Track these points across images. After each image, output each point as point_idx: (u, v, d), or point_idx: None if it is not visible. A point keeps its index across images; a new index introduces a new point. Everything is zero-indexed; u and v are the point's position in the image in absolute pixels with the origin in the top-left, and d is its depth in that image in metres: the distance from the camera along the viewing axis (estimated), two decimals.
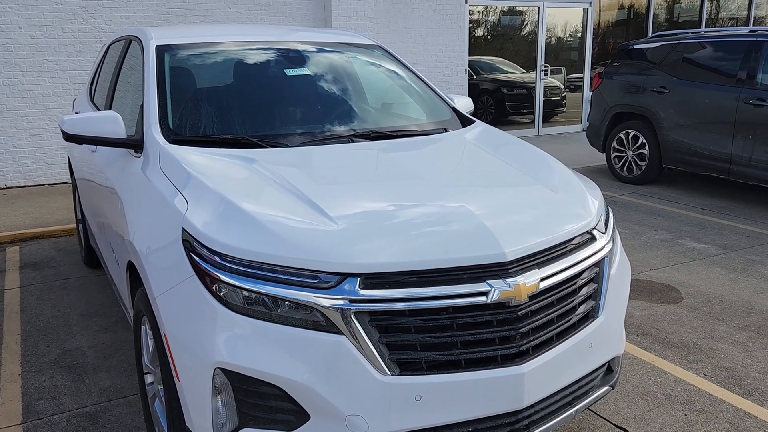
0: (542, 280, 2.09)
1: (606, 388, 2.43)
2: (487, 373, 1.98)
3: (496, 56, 11.44)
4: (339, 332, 1.90)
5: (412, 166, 2.57)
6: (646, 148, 7.46)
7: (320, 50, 3.54)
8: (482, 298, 1.98)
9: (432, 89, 3.62)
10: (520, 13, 11.31)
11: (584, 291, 2.29)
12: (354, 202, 2.21)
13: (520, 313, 2.04)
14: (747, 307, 4.04)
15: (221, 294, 1.97)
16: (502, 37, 11.42)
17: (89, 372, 3.34)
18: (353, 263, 1.93)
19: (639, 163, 7.62)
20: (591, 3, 11.71)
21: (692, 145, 6.92)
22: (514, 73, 11.63)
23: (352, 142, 2.86)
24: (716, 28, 7.26)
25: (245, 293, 1.95)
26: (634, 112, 7.57)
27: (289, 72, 3.27)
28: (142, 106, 2.96)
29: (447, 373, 1.95)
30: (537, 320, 2.09)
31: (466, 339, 1.98)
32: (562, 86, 12.17)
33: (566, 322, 2.19)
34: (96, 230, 3.81)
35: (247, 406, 1.95)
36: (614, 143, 7.88)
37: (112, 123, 2.84)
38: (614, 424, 2.80)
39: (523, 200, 2.36)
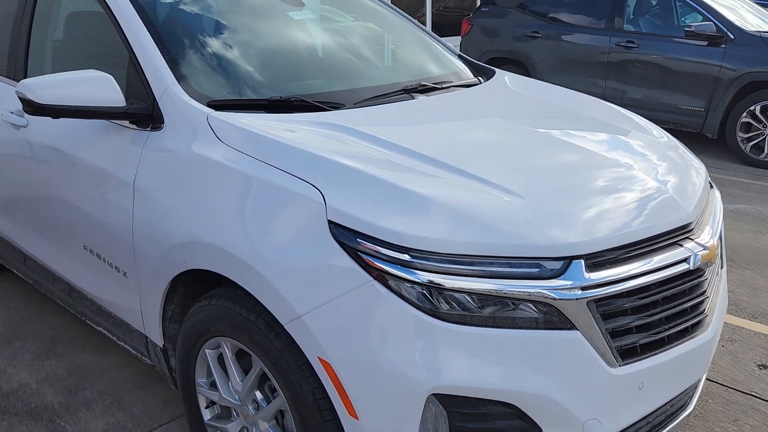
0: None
1: None
2: (688, 345, 1.83)
3: None
4: (572, 327, 1.59)
5: (509, 124, 2.27)
6: None
7: None
8: (684, 266, 1.80)
9: (430, 35, 3.25)
10: None
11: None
12: (511, 170, 1.87)
13: (707, 276, 1.89)
14: None
15: (417, 300, 1.54)
16: None
17: (61, 415, 2.58)
18: (575, 243, 1.62)
19: None
20: None
21: (567, 87, 7.28)
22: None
23: (413, 98, 2.44)
24: None
25: (452, 295, 1.54)
26: (509, 57, 7.76)
27: (294, 16, 2.69)
28: (133, 62, 2.22)
29: (661, 353, 1.75)
30: (711, 283, 1.97)
31: (669, 313, 1.79)
32: None
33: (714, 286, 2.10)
34: (25, 229, 2.89)
35: None
36: None
37: (105, 87, 2.08)
38: None
39: (653, 155, 2.18)
